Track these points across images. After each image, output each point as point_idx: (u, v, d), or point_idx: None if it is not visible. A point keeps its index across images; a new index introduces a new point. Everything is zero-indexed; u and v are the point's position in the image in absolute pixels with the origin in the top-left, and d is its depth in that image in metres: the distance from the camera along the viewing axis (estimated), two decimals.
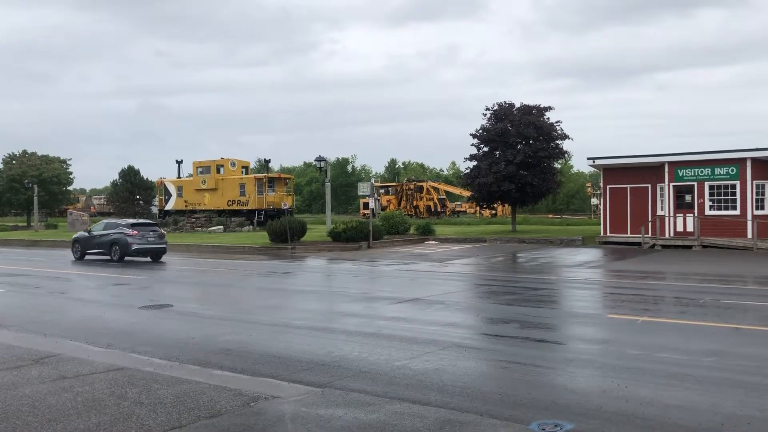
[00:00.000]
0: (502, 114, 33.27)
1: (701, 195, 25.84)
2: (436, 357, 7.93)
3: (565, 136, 32.88)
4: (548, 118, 33.25)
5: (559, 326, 10.01)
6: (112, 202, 65.63)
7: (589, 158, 27.93)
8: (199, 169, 45.89)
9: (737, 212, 25.25)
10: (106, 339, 9.35)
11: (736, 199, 25.33)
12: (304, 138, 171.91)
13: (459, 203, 65.11)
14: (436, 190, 63.36)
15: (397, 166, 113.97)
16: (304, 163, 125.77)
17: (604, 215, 28.34)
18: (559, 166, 51.58)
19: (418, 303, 12.39)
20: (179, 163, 49.42)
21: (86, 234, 25.17)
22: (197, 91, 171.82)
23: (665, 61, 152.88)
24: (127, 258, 24.22)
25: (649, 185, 27.46)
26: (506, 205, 49.97)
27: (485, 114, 33.89)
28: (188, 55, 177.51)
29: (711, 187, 25.72)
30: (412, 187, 62.22)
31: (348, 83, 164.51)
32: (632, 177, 27.73)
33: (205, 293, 15.01)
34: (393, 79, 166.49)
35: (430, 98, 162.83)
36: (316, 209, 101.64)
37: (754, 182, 25.14)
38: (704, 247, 24.89)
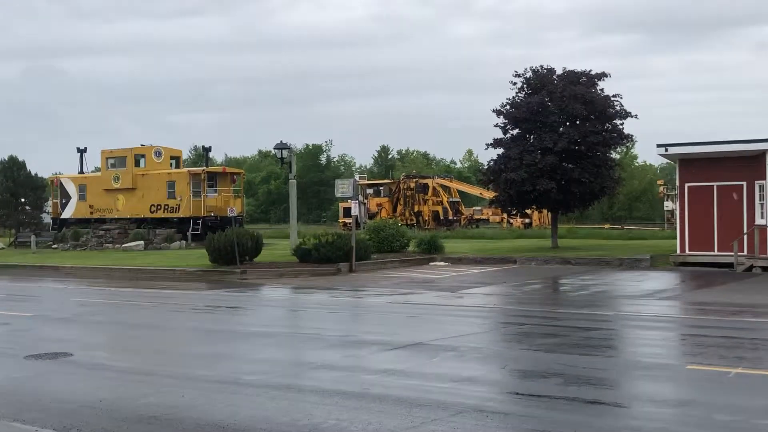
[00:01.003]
0: (538, 83, 33.46)
1: None
2: (446, 427, 7.92)
3: (626, 114, 33.08)
4: (602, 90, 33.47)
5: (619, 382, 10.03)
6: None
7: (659, 145, 28.10)
8: (111, 161, 45.86)
9: None
10: None
11: None
12: (258, 118, 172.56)
13: (479, 208, 65.38)
14: (446, 190, 63.59)
15: (390, 157, 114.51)
16: (260, 152, 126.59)
17: (682, 225, 28.51)
18: (619, 157, 51.99)
19: (421, 349, 12.38)
20: (82, 152, 49.36)
21: None
22: (106, 52, 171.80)
23: None
24: None
25: (745, 183, 27.62)
26: (544, 212, 50.38)
27: (514, 83, 34.09)
28: (93, 0, 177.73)
29: None
30: (412, 185, 62.39)
31: (320, 41, 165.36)
32: (720, 172, 27.92)
33: (119, 337, 14.94)
34: (384, 35, 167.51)
35: (436, 62, 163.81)
36: (276, 217, 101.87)
37: None
38: None
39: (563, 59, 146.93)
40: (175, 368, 11.16)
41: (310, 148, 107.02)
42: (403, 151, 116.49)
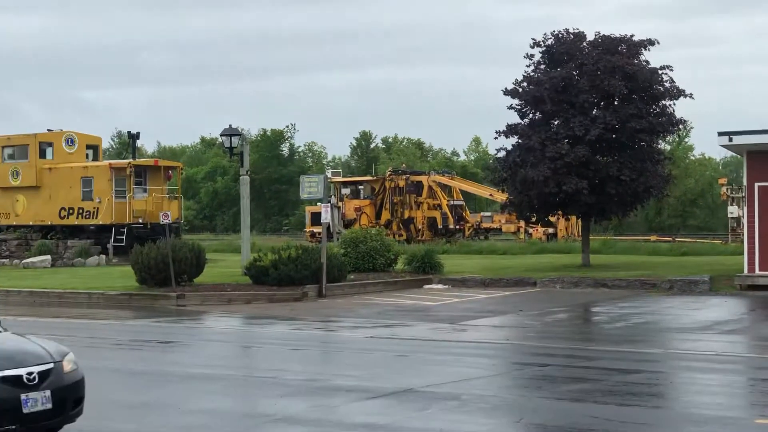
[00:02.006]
0: (564, 53, 33.50)
1: None
2: None
3: (678, 93, 33.19)
4: (647, 62, 33.58)
5: None
6: None
7: (722, 133, 28.24)
8: (8, 151, 45.70)
9: None
10: None
11: None
12: (200, 95, 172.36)
13: (488, 214, 65.48)
14: (447, 190, 63.66)
15: (373, 147, 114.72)
16: (203, 140, 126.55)
17: (751, 237, 28.63)
18: (669, 148, 52.21)
19: (410, 398, 12.39)
20: None
21: None
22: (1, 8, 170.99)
23: None
24: None
25: None
26: (572, 219, 50.46)
27: (530, 56, 34.09)
28: None
29: None
30: (401, 184, 62.44)
31: None
32: None
33: None
34: None
35: (432, 23, 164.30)
36: (223, 225, 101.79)
37: None
38: None
39: (595, 22, 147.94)
40: (90, 422, 11.11)
41: (268, 134, 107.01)
42: (390, 139, 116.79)
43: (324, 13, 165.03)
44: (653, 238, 59.99)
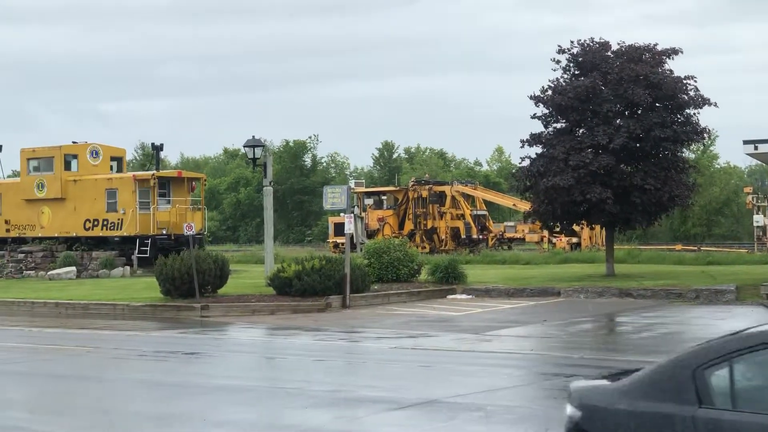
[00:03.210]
0: (589, 61, 33.49)
1: None
2: None
3: (703, 101, 33.09)
4: (671, 71, 33.51)
5: None
6: None
7: (747, 142, 28.12)
8: (33, 164, 45.98)
9: None
10: None
11: None
12: (223, 107, 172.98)
13: (511, 224, 65.41)
14: (469, 200, 63.64)
15: (395, 157, 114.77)
16: (225, 151, 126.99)
17: None
18: (694, 156, 51.98)
19: (435, 409, 12.39)
20: None
21: None
22: (22, 20, 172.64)
23: None
24: None
25: None
26: (596, 228, 50.28)
27: (557, 61, 34.13)
28: None
29: None
30: (424, 194, 62.47)
31: (302, 5, 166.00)
32: None
33: (43, 393, 14.98)
34: None
35: (454, 32, 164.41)
36: (246, 235, 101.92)
37: None
38: None
39: (619, 30, 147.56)
40: None
41: (291, 145, 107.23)
42: (412, 149, 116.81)
43: (345, 23, 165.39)
44: (678, 247, 59.71)
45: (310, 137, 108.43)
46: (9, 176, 54.91)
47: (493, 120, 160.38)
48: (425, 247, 57.82)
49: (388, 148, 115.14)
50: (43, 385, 15.54)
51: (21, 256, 44.40)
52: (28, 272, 43.16)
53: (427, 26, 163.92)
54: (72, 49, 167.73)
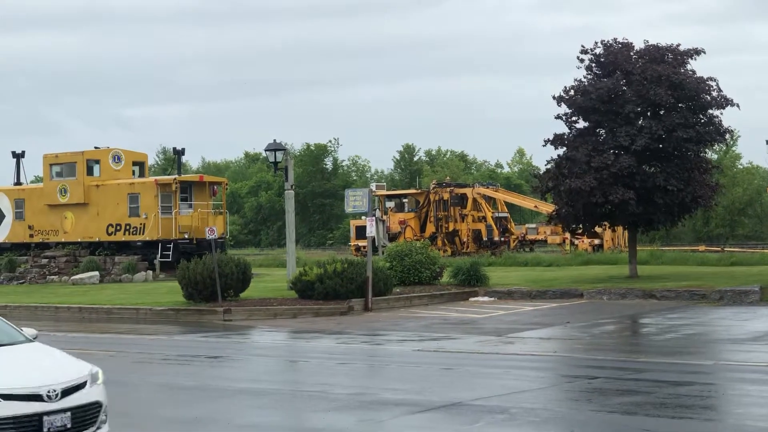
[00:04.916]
0: (611, 62, 33.41)
1: None
2: None
3: (725, 102, 32.93)
4: (693, 71, 33.38)
5: None
6: None
7: None
8: (56, 169, 46.21)
9: None
10: None
11: None
12: (241, 109, 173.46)
13: (533, 226, 65.21)
14: (491, 202, 63.45)
15: (416, 159, 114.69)
16: (246, 155, 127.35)
17: None
18: (716, 157, 51.69)
19: (459, 411, 12.38)
20: (18, 157, 49.80)
21: None
22: (43, 26, 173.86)
23: None
24: None
25: None
26: (619, 230, 50.05)
27: (581, 60, 34.04)
28: None
29: None
30: (446, 197, 62.37)
31: (321, 7, 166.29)
32: None
33: None
34: None
35: (474, 33, 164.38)
36: (268, 239, 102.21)
37: None
38: None
39: (641, 30, 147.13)
40: None
41: (312, 149, 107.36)
42: (433, 152, 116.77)
43: (364, 25, 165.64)
44: (702, 248, 59.39)
45: (330, 140, 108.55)
46: (32, 182, 55.26)
47: (514, 122, 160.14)
48: (447, 250, 57.75)
49: (408, 150, 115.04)
50: None
51: (44, 261, 44.64)
52: (52, 277, 43.38)
53: (446, 27, 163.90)
54: (91, 55, 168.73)
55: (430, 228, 61.72)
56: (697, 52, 33.55)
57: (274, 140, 32.82)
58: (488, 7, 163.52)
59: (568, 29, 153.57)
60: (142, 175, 46.80)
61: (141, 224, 43.19)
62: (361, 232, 54.11)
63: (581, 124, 33.62)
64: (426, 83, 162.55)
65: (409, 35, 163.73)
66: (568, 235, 52.76)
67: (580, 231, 36.40)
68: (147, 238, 42.95)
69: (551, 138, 33.67)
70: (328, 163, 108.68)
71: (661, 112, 32.65)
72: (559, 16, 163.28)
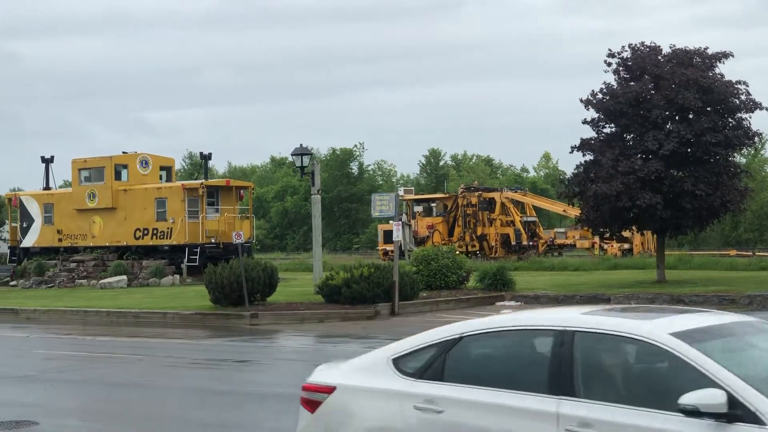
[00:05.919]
0: (639, 66, 33.26)
1: None
2: None
3: (754, 106, 32.68)
4: (721, 75, 33.17)
5: None
6: None
7: None
8: (84, 174, 46.49)
9: None
10: None
11: None
12: (267, 114, 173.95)
13: (562, 230, 64.98)
14: (519, 206, 63.33)
15: (442, 164, 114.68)
16: (272, 159, 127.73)
17: None
18: (745, 161, 51.34)
19: None
20: (47, 162, 50.12)
21: None
22: (69, 32, 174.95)
23: None
24: None
25: None
26: (648, 234, 49.78)
27: (609, 64, 33.91)
28: None
29: None
30: (474, 201, 62.25)
31: (346, 12, 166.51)
32: None
33: (96, 400, 15.13)
34: (430, 3, 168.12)
35: (499, 38, 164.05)
36: (294, 243, 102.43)
37: None
38: None
39: (668, 34, 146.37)
40: None
41: (338, 153, 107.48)
42: (459, 156, 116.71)
43: (389, 29, 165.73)
44: (732, 252, 59.03)
45: (356, 145, 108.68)
46: (61, 186, 55.61)
47: (540, 126, 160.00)
48: (474, 245, 57.80)
49: (434, 155, 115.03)
50: (97, 393, 15.66)
51: (73, 265, 44.92)
52: (80, 281, 43.64)
53: (471, 32, 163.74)
54: (117, 59, 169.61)
55: (458, 232, 61.63)
56: (725, 55, 33.36)
57: (301, 145, 32.87)
58: (513, 12, 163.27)
59: (591, 33, 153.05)
60: (169, 179, 47.02)
61: (168, 228, 43.40)
62: (388, 236, 54.04)
63: (608, 128, 33.54)
64: (450, 88, 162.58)
65: (434, 39, 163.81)
66: (597, 239, 52.61)
67: (607, 234, 36.27)
68: (174, 243, 43.16)
69: (578, 144, 33.59)
70: (354, 168, 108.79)
71: (690, 116, 32.45)
72: (582, 20, 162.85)
